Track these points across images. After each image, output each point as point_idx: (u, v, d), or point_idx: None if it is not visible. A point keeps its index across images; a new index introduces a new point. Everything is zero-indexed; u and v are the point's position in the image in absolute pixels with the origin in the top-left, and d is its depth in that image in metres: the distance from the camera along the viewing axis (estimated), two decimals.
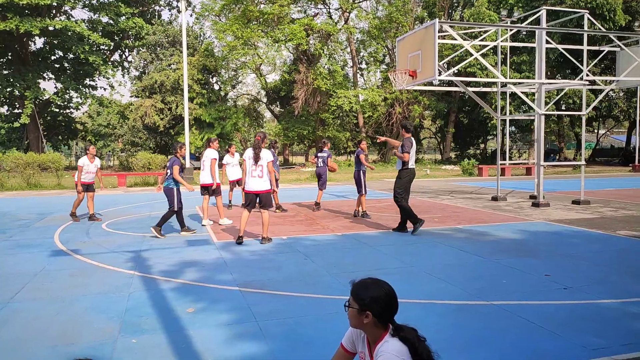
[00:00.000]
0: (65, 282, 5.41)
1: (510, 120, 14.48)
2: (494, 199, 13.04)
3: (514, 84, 14.20)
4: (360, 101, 33.89)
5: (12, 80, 29.85)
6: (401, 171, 8.14)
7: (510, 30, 12.66)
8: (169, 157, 8.55)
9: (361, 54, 37.67)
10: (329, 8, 36.40)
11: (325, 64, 33.76)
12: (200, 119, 32.49)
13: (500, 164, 14.04)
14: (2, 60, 32.12)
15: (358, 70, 37.42)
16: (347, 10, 34.24)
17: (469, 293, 4.85)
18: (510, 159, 32.22)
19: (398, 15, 32.22)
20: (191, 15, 37.00)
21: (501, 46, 13.53)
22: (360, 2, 35.29)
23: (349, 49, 36.31)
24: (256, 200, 7.39)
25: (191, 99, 31.23)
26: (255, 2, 32.19)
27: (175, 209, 8.21)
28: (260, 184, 7.27)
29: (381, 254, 6.73)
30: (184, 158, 8.00)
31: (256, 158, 7.21)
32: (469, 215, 10.41)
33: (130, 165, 24.34)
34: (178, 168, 8.21)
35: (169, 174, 8.24)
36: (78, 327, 4.02)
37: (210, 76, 35.45)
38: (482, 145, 44.00)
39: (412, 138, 8.17)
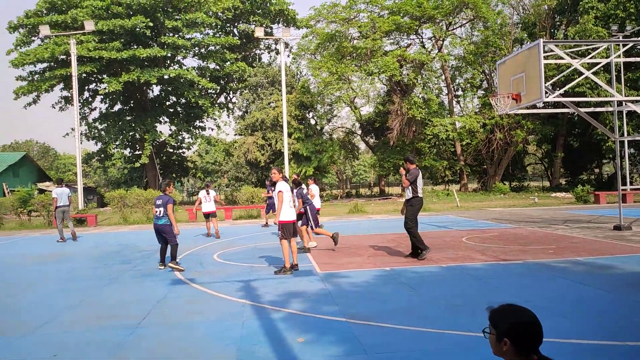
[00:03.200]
0: (184, 309, 5.80)
1: (629, 141, 13.23)
2: (617, 228, 11.85)
3: (633, 101, 13.01)
4: (458, 129, 32.98)
5: (133, 125, 33.32)
6: (412, 199, 8.58)
7: (624, 45, 11.71)
8: (160, 194, 8.60)
9: (457, 80, 36.91)
10: (422, 38, 36.29)
11: (420, 93, 33.49)
12: (298, 153, 33.66)
13: (622, 190, 12.78)
14: (125, 107, 36.11)
15: (454, 97, 36.62)
16: (441, 39, 33.92)
17: (598, 332, 4.40)
18: (630, 184, 29.17)
19: (495, 38, 31.27)
20: (288, 56, 39.03)
21: (614, 63, 12.55)
22: (454, 29, 34.85)
23: (443, 77, 35.77)
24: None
25: (289, 135, 32.53)
26: (349, 38, 33.13)
27: (176, 243, 8.41)
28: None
29: (490, 286, 6.37)
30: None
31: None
32: (588, 246, 9.54)
33: (235, 199, 25.75)
34: (172, 207, 8.38)
35: (162, 212, 8.31)
36: (198, 354, 4.27)
37: (307, 111, 36.78)
38: (596, 170, 40.42)
39: (418, 170, 8.59)
